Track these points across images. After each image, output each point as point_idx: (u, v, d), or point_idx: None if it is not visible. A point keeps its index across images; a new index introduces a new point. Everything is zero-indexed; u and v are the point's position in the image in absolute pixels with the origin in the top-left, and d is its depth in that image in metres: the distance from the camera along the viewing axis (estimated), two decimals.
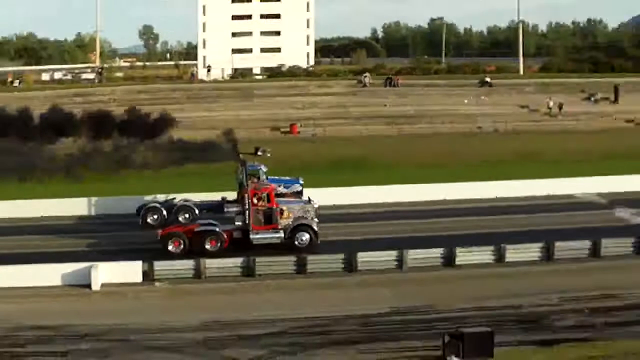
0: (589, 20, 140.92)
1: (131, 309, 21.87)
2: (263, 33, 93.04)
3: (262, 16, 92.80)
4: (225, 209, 32.33)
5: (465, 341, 15.49)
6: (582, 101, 61.80)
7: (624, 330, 18.15)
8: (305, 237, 27.74)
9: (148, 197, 34.40)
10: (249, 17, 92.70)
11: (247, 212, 27.42)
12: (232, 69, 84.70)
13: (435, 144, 51.53)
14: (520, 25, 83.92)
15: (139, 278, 24.36)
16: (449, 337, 15.88)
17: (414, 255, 25.31)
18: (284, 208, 28.06)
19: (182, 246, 27.28)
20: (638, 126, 57.28)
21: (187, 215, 32.67)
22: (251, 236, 27.42)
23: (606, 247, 25.91)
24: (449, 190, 36.54)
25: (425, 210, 34.10)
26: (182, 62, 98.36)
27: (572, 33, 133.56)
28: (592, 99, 60.44)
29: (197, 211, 32.87)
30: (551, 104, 59.80)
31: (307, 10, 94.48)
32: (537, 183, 37.50)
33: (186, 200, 33.81)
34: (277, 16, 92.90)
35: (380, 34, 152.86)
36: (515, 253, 25.61)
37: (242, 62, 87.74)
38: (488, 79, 66.48)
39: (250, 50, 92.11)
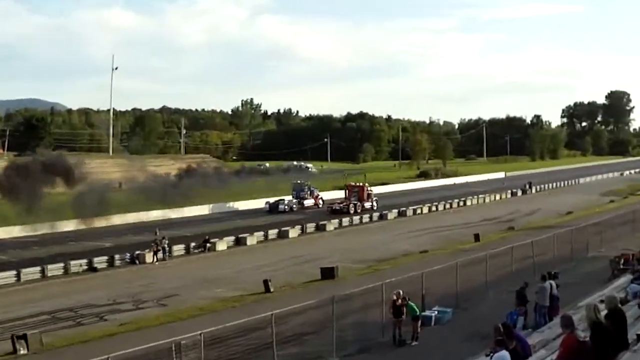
0: None
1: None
2: None
3: None
4: (305, 202, 56.26)
5: None
6: None
7: None
8: (375, 204, 57.41)
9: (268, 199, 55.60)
10: None
11: (361, 194, 56.34)
12: None
13: None
14: None
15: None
16: None
17: None
18: (370, 192, 55.73)
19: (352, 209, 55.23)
20: None
21: (294, 206, 55.26)
22: (364, 204, 55.07)
23: None
24: None
25: None
26: None
27: None
28: None
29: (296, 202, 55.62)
30: None
31: None
32: None
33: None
34: None
35: None
36: None
37: None
38: None
39: None
